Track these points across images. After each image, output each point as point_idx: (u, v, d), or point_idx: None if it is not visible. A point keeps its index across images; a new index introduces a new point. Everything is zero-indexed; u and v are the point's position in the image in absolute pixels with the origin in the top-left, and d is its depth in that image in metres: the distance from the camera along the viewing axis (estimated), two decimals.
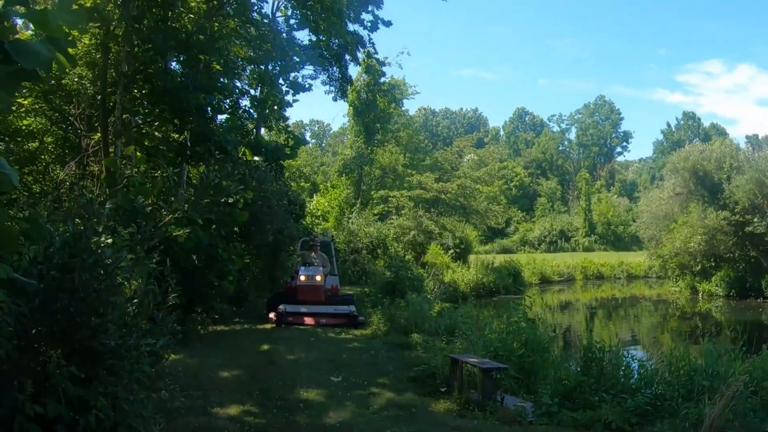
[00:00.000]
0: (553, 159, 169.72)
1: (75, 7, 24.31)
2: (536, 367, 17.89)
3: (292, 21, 37.26)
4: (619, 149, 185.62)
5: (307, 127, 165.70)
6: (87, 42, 27.43)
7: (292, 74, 39.82)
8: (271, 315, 30.05)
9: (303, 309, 30.56)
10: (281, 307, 29.80)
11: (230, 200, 23.63)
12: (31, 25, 7.41)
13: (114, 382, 7.94)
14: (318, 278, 31.94)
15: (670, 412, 13.57)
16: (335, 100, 48.80)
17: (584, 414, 14.70)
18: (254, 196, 28.23)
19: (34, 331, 7.22)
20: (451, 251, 63.43)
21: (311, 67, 39.17)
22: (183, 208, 21.37)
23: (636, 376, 16.77)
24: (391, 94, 79.18)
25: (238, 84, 34.25)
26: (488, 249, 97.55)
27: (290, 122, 46.38)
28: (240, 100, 33.37)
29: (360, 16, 33.83)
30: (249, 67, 36.30)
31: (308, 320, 30.05)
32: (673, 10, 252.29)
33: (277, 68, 37.97)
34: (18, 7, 4.63)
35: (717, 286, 58.35)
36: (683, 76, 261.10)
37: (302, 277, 31.63)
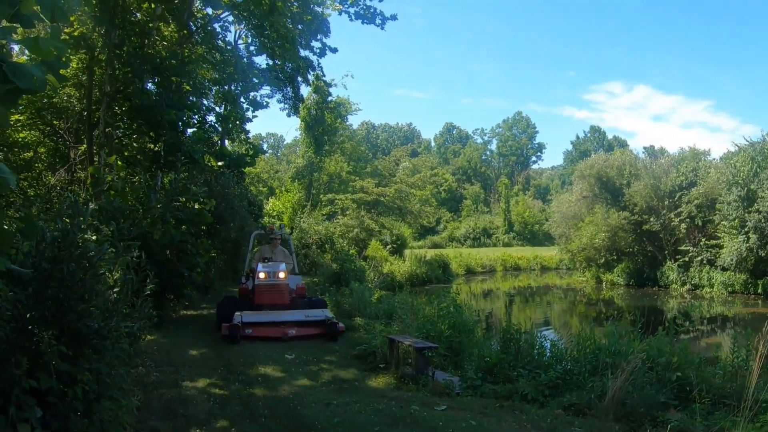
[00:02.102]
0: (477, 167, 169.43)
1: (65, 36, 24.43)
2: (462, 346, 18.03)
3: (251, 48, 37.30)
4: (534, 158, 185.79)
5: (265, 139, 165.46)
6: (75, 66, 27.56)
7: (252, 94, 39.97)
8: (224, 327, 21.04)
9: (264, 317, 22.06)
10: (237, 315, 21.58)
11: (197, 203, 23.96)
12: (26, 51, 7.58)
13: (97, 359, 8.00)
14: (281, 275, 22.90)
15: (577, 385, 13.73)
16: (289, 116, 48.67)
17: (504, 387, 14.90)
18: (218, 198, 28.55)
19: (28, 315, 7.26)
20: (389, 246, 63.64)
21: (268, 88, 39.25)
22: (157, 209, 21.67)
23: (548, 354, 16.94)
24: (337, 111, 79.45)
25: (205, 102, 34.28)
26: (421, 244, 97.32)
27: (250, 135, 46.12)
28: (206, 116, 33.42)
29: (310, 43, 33.90)
30: (214, 88, 36.32)
31: (272, 332, 21.18)
32: (580, 37, 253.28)
33: (239, 88, 38.11)
34: (14, 35, 4.77)
35: (618, 276, 59.07)
36: (589, 95, 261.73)
37: (261, 275, 22.79)
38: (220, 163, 34.21)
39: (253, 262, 25.80)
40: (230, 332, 20.49)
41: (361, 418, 12.22)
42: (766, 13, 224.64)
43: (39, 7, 4.76)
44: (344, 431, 11.44)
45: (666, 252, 55.22)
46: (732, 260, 45.59)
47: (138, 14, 27.32)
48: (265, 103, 42.49)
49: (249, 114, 41.30)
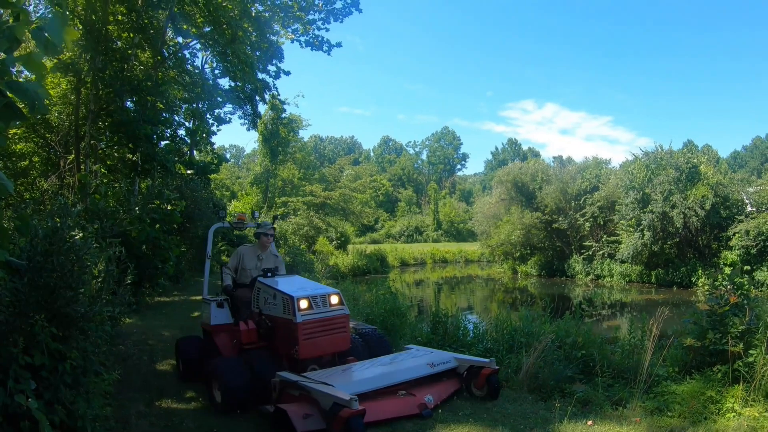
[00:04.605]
0: (410, 174, 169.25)
1: (56, 61, 24.18)
2: (397, 327, 17.79)
3: (216, 71, 37.17)
4: (459, 166, 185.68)
5: (228, 150, 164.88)
6: (64, 87, 27.53)
7: (217, 111, 40.16)
8: (340, 420, 9.25)
9: (365, 380, 10.98)
10: (313, 383, 10.37)
11: (169, 205, 23.94)
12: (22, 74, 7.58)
13: (84, 339, 7.99)
14: (334, 300, 12.36)
15: (497, 361, 13.82)
16: (248, 130, 48.93)
17: None
18: (188, 201, 28.57)
19: (24, 301, 7.35)
20: (335, 242, 64.33)
21: (231, 106, 39.22)
22: (135, 210, 21.62)
23: (471, 334, 16.83)
24: (290, 126, 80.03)
25: (176, 118, 34.06)
26: (362, 240, 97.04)
27: (215, 146, 46.14)
28: (177, 130, 33.19)
29: (267, 67, 33.81)
30: (184, 106, 36.10)
31: (400, 407, 10.87)
32: (497, 63, 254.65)
33: (205, 106, 38.14)
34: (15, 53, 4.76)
35: (532, 268, 59.28)
36: (505, 111, 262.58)
37: (302, 304, 11.78)
38: (189, 171, 34.08)
39: (234, 273, 14.08)
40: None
41: None
42: (658, 43, 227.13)
43: (34, 42, 4.75)
44: None
45: (572, 247, 55.63)
46: (629, 254, 45.99)
47: (119, 42, 27.20)
48: (228, 119, 42.77)
49: (214, 128, 41.56)
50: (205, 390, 11.97)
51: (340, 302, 12.40)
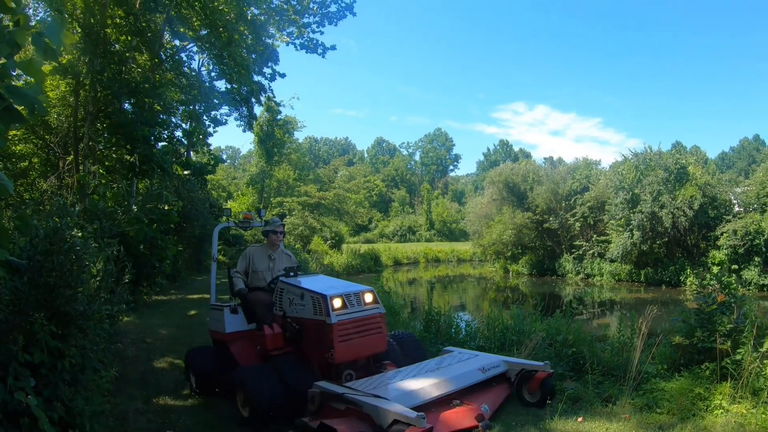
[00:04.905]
0: (403, 174, 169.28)
1: (55, 65, 24.18)
2: (390, 325, 17.82)
3: (212, 73, 37.16)
4: (451, 167, 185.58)
5: (224, 151, 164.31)
6: (63, 89, 27.53)
7: (213, 113, 39.88)
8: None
9: (416, 391, 9.64)
10: (328, 388, 9.64)
11: (166, 205, 23.95)
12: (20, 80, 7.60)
13: (82, 337, 8.01)
14: (368, 298, 11.29)
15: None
16: (244, 131, 48.81)
17: None
18: (185, 201, 28.61)
19: (24, 300, 7.36)
20: (329, 242, 64.49)
21: (227, 108, 39.11)
22: (133, 210, 21.66)
23: (464, 332, 16.92)
24: (285, 127, 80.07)
25: (173, 120, 33.97)
26: (356, 240, 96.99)
27: (211, 147, 46.11)
28: (174, 132, 33.03)
29: (262, 69, 33.77)
30: (181, 108, 36.06)
31: (460, 419, 9.55)
32: (488, 66, 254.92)
33: (202, 108, 37.97)
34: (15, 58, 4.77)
35: (523, 267, 59.11)
36: (497, 113, 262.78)
37: (336, 302, 10.68)
38: (186, 172, 34.12)
39: (245, 277, 12.84)
40: None
41: None
42: (647, 45, 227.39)
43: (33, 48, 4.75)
44: None
45: (563, 246, 55.63)
46: (618, 253, 46.02)
47: (117, 45, 27.21)
48: (224, 121, 42.61)
49: (210, 130, 41.23)
50: (230, 404, 10.81)
51: (375, 300, 11.37)
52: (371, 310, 11.12)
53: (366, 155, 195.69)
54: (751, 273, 38.93)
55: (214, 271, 14.21)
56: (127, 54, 27.45)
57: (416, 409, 8.60)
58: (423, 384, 9.90)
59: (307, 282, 11.54)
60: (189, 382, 12.52)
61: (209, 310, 13.25)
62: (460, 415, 9.58)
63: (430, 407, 9.44)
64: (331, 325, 10.34)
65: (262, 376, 10.31)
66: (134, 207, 22.23)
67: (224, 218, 14.64)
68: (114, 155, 28.98)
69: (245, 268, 12.83)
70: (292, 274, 11.91)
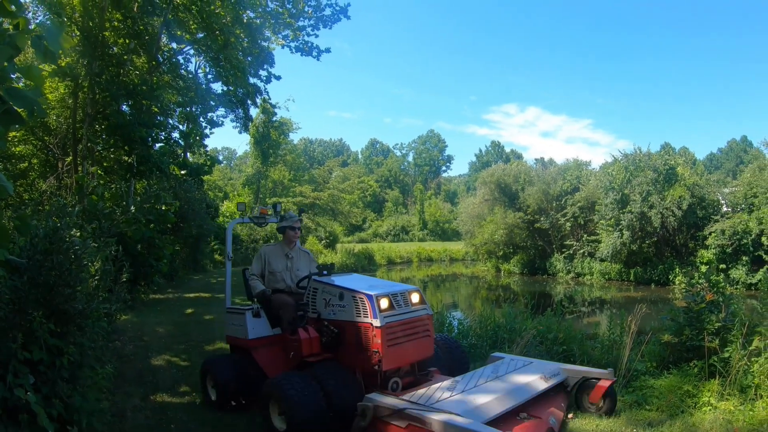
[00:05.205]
0: (396, 175, 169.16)
1: (54, 67, 24.14)
2: None
3: (209, 76, 37.19)
4: (444, 168, 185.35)
5: (220, 152, 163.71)
6: (62, 91, 27.53)
7: (209, 114, 39.78)
8: None
9: (490, 402, 8.47)
10: (385, 402, 8.40)
11: (164, 205, 23.98)
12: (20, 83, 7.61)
13: (81, 335, 8.01)
14: (415, 298, 10.16)
15: (481, 356, 13.65)
16: (240, 132, 48.95)
17: None
18: (182, 201, 28.60)
19: (23, 299, 7.37)
20: (324, 241, 64.68)
21: (223, 109, 39.11)
22: (131, 211, 21.71)
23: (456, 330, 16.91)
24: (281, 129, 79.75)
25: (171, 121, 34.06)
26: (350, 240, 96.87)
27: (208, 148, 46.32)
28: (172, 133, 33.22)
29: (258, 72, 33.81)
30: (178, 109, 36.15)
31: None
32: (480, 68, 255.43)
33: (199, 110, 38.07)
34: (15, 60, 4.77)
35: (514, 266, 59.23)
36: (488, 115, 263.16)
37: (383, 302, 9.50)
38: (183, 172, 34.14)
39: (261, 279, 11.66)
40: None
41: None
42: (637, 47, 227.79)
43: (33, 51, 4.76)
44: None
45: (554, 246, 55.68)
46: (608, 252, 46.09)
47: (115, 48, 27.22)
48: (220, 122, 42.51)
49: (207, 131, 41.25)
50: (261, 419, 9.40)
51: (421, 300, 10.23)
52: (419, 311, 10.07)
53: (360, 156, 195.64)
54: (738, 272, 39.00)
55: (229, 271, 12.78)
56: (125, 57, 27.49)
57: (488, 425, 7.67)
58: (488, 397, 8.63)
59: (344, 281, 10.46)
60: (206, 394, 11.32)
61: (225, 313, 11.98)
62: (531, 430, 8.50)
63: (499, 422, 8.24)
64: (379, 328, 9.25)
65: (303, 386, 8.93)
66: (132, 207, 22.29)
67: (238, 213, 13.11)
68: (112, 156, 29.02)
69: (261, 270, 11.64)
70: (325, 272, 10.69)
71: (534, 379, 9.58)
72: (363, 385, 9.42)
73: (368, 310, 9.35)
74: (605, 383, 9.89)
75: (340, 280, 10.42)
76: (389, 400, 8.36)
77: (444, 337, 12.35)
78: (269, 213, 12.65)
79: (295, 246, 11.97)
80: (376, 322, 9.20)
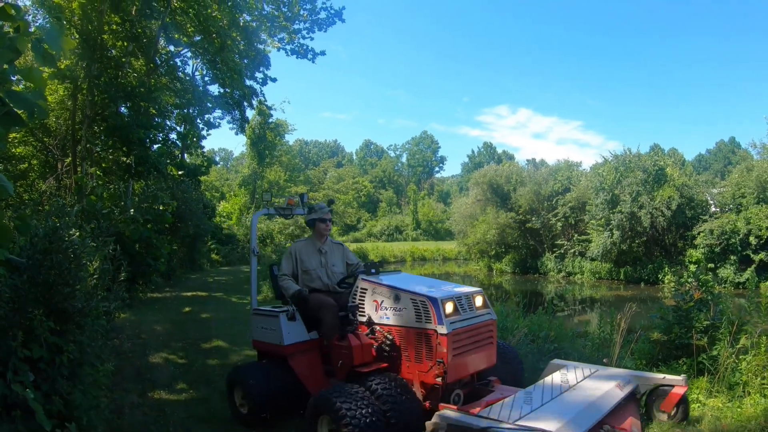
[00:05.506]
0: (390, 176, 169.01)
1: (54, 70, 24.16)
2: None
3: (206, 78, 37.06)
4: (437, 169, 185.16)
5: (217, 153, 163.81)
6: (61, 93, 27.53)
7: (206, 116, 39.81)
8: None
9: (580, 416, 7.15)
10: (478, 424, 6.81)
11: (161, 205, 24.03)
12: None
13: (80, 333, 8.01)
14: (479, 301, 9.05)
15: None
16: (237, 134, 49.11)
17: None
18: (179, 201, 28.74)
19: (23, 297, 7.38)
20: None
21: (220, 111, 39.08)
22: (129, 211, 21.73)
23: None
24: (276, 130, 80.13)
25: (168, 123, 34.07)
26: (345, 239, 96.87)
27: (205, 149, 46.32)
28: (169, 134, 33.20)
29: (254, 74, 33.74)
30: (176, 111, 36.10)
31: None
32: (472, 70, 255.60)
33: (196, 112, 37.98)
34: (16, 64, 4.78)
35: (506, 265, 59.42)
36: (481, 116, 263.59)
37: (448, 306, 8.35)
38: (180, 173, 34.29)
39: (294, 278, 10.41)
40: None
41: None
42: (627, 49, 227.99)
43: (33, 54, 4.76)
44: None
45: (545, 245, 55.75)
46: (599, 252, 46.14)
47: (113, 51, 27.22)
48: (217, 124, 42.89)
49: (204, 132, 41.30)
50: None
51: (485, 304, 9.15)
52: (483, 315, 9.00)
53: (354, 157, 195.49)
54: (727, 271, 39.08)
55: (254, 267, 11.79)
56: (124, 59, 27.49)
57: None
58: (572, 410, 7.41)
59: (396, 281, 9.42)
60: (234, 408, 10.02)
61: (252, 316, 10.67)
62: None
63: None
64: (445, 335, 8.13)
65: (360, 400, 7.69)
66: (130, 207, 22.35)
67: (263, 204, 11.56)
68: (111, 157, 29.00)
69: (292, 269, 10.42)
70: (373, 270, 9.69)
71: (610, 387, 8.45)
72: (419, 396, 8.48)
73: (431, 315, 8.30)
74: (680, 390, 8.95)
75: (390, 279, 9.47)
76: (467, 418, 7.12)
77: (500, 342, 10.38)
78: (296, 203, 11.65)
79: (326, 240, 10.92)
80: (442, 329, 8.17)
